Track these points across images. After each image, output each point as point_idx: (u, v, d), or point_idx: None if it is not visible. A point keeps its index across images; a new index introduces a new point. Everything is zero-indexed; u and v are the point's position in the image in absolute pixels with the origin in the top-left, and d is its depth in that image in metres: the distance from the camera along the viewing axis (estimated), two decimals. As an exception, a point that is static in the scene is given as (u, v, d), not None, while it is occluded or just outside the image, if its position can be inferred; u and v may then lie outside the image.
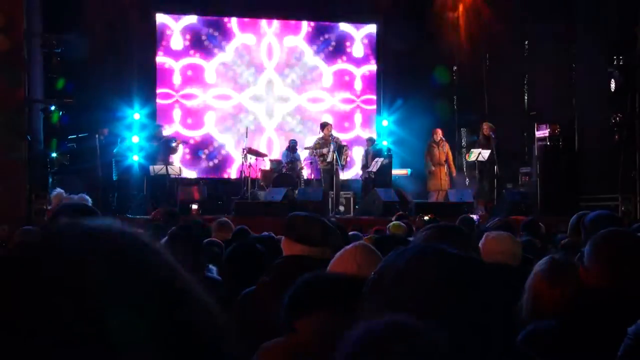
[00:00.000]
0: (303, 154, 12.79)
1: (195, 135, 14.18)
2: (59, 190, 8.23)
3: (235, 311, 2.63)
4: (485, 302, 1.03)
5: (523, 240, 4.27)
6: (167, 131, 13.22)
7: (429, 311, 0.95)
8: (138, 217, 10.64)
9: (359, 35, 15.10)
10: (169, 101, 14.11)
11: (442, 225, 2.67)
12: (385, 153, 12.96)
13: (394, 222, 6.45)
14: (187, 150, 13.99)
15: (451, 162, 12.61)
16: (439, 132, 12.59)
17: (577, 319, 1.80)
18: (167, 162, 11.89)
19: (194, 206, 10.94)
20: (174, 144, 12.23)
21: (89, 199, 7.23)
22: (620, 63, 10.77)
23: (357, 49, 15.04)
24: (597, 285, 1.89)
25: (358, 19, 15.00)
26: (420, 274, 1.02)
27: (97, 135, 11.63)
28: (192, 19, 14.24)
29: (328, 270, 2.16)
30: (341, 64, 14.96)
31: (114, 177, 11.82)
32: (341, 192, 11.88)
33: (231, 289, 3.20)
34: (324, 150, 11.67)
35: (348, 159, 12.35)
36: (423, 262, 1.04)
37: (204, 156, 14.23)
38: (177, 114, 14.12)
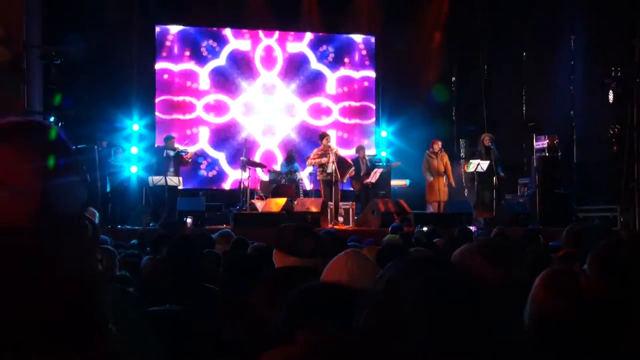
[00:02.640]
0: (302, 165, 12.79)
1: (195, 146, 14.16)
2: None
3: (231, 321, 2.61)
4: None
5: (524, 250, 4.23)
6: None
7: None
8: (136, 227, 10.63)
9: (357, 47, 15.13)
10: (168, 115, 14.09)
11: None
12: (385, 164, 12.89)
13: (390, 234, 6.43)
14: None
15: (450, 173, 12.55)
16: (438, 142, 12.56)
17: (580, 329, 1.79)
18: (178, 174, 11.85)
19: (189, 220, 10.46)
20: (186, 156, 12.14)
21: (97, 212, 7.18)
22: (619, 75, 10.78)
23: (355, 61, 15.07)
24: (599, 295, 1.88)
25: (356, 31, 15.04)
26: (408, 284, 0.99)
27: (96, 147, 11.58)
28: (191, 31, 14.27)
29: (322, 280, 2.13)
30: (339, 74, 14.98)
31: (107, 189, 11.66)
32: (340, 203, 11.82)
33: (227, 299, 3.17)
34: (323, 160, 11.64)
35: (349, 176, 12.19)
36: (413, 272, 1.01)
37: (202, 167, 14.20)
38: (176, 125, 14.09)
